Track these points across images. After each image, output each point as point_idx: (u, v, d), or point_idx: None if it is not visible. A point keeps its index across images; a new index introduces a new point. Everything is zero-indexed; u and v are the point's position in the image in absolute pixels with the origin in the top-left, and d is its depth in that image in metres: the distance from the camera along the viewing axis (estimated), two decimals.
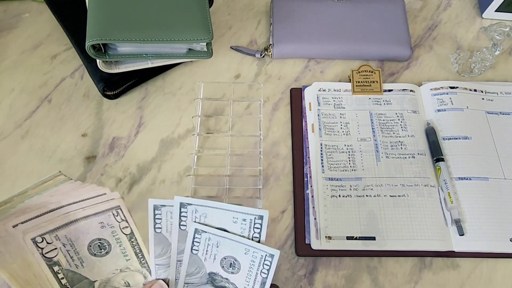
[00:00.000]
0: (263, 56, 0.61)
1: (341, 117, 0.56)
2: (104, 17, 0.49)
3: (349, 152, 0.53)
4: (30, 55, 0.60)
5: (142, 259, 0.33)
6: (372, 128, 0.55)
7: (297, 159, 0.53)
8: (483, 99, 0.57)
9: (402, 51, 0.60)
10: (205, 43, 0.53)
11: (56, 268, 0.28)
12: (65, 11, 0.59)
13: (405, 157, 0.53)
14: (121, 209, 0.30)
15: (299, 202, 0.51)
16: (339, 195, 0.50)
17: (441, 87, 0.57)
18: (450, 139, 0.54)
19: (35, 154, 0.53)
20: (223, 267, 0.36)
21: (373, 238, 0.48)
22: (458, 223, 0.48)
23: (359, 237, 0.48)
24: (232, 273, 0.35)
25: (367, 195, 0.50)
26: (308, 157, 0.53)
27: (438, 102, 0.56)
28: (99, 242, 0.30)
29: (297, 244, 0.48)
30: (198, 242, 0.35)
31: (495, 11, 0.64)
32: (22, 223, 0.26)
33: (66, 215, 0.27)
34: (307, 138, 0.54)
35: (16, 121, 0.56)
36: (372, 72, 0.58)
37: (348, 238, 0.48)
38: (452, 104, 0.56)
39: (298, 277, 0.47)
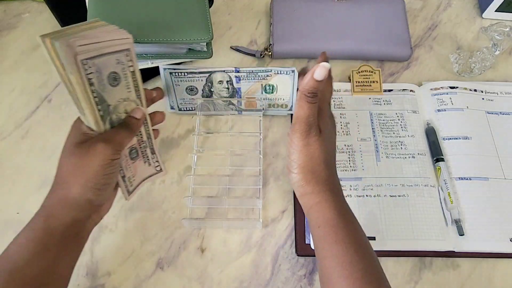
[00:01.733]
0: (263, 56, 0.61)
1: (341, 117, 0.56)
2: (104, 17, 0.48)
3: (349, 152, 0.53)
4: (30, 55, 0.60)
5: (138, 93, 0.42)
6: (372, 128, 0.55)
7: None
8: (483, 99, 0.57)
9: (402, 51, 0.60)
10: (205, 43, 0.53)
11: (92, 88, 0.36)
12: (65, 11, 0.59)
13: (405, 157, 0.53)
14: (130, 51, 0.39)
15: (299, 202, 0.50)
16: None
17: (441, 87, 0.57)
18: (450, 139, 0.54)
19: (35, 154, 0.53)
20: None
21: (373, 238, 0.48)
22: (458, 223, 0.48)
23: None
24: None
25: (367, 195, 0.50)
26: None
27: (438, 102, 0.56)
28: (114, 74, 0.38)
29: (297, 244, 0.48)
30: None
31: (495, 11, 0.64)
32: (80, 46, 0.34)
33: (100, 49, 0.35)
34: None
35: (16, 121, 0.56)
36: (372, 72, 0.58)
37: None
38: (452, 104, 0.56)
39: (298, 277, 0.47)
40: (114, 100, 0.39)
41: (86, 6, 0.51)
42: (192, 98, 0.54)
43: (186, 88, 0.53)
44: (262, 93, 0.53)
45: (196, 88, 0.53)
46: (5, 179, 0.52)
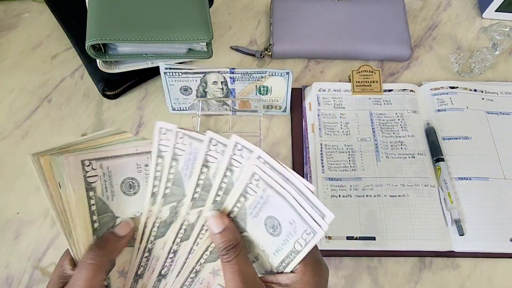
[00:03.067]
0: (263, 56, 0.61)
1: (341, 117, 0.56)
2: (104, 17, 0.49)
3: (349, 152, 0.53)
4: (30, 55, 0.60)
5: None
6: (372, 128, 0.55)
7: (297, 159, 0.53)
8: (483, 99, 0.57)
9: (402, 51, 0.60)
10: (205, 43, 0.53)
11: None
12: (65, 11, 0.59)
13: (405, 157, 0.53)
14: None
15: None
16: (339, 195, 0.50)
17: (441, 87, 0.57)
18: (450, 139, 0.54)
19: None
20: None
21: (373, 238, 0.48)
22: (458, 223, 0.48)
23: (359, 237, 0.48)
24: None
25: (367, 195, 0.50)
26: (308, 157, 0.53)
27: (438, 102, 0.56)
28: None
29: None
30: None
31: (495, 11, 0.64)
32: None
33: (112, 150, 0.30)
34: (307, 138, 0.54)
35: (16, 121, 0.56)
36: (372, 72, 0.58)
37: (348, 238, 0.48)
38: (452, 104, 0.56)
39: None
40: (125, 213, 0.33)
41: (86, 6, 0.51)
42: (186, 98, 0.54)
43: (181, 88, 0.53)
44: (256, 94, 0.54)
45: (191, 88, 0.53)
46: (5, 179, 0.52)
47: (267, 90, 0.53)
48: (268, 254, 0.33)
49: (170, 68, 0.50)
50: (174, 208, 0.33)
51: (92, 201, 0.31)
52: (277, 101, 0.54)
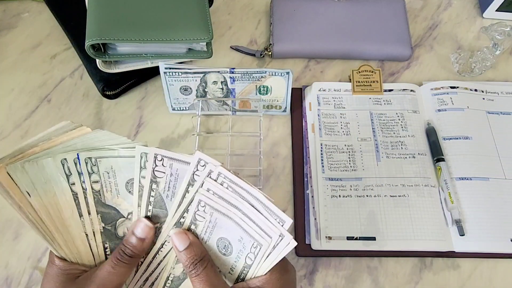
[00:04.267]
0: (263, 56, 0.61)
1: (341, 117, 0.56)
2: (104, 17, 0.49)
3: (349, 152, 0.53)
4: (30, 55, 0.60)
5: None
6: (372, 128, 0.55)
7: (297, 159, 0.53)
8: (483, 99, 0.57)
9: (402, 51, 0.59)
10: (205, 43, 0.52)
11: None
12: (65, 11, 0.59)
13: (406, 157, 0.53)
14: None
15: (299, 202, 0.50)
16: (339, 195, 0.50)
17: (442, 87, 0.57)
18: (450, 139, 0.54)
19: None
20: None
21: (373, 238, 0.48)
22: (458, 223, 0.48)
23: (359, 237, 0.48)
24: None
25: (367, 195, 0.50)
26: (308, 157, 0.53)
27: (438, 102, 0.56)
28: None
29: (297, 244, 0.48)
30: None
31: (496, 10, 0.64)
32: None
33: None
34: (307, 138, 0.54)
35: (15, 121, 0.55)
36: (372, 72, 0.58)
37: (348, 238, 0.48)
38: (453, 104, 0.56)
39: (298, 278, 0.47)
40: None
41: (86, 6, 0.51)
42: (186, 98, 0.54)
43: (180, 88, 0.53)
44: (256, 93, 0.53)
45: (190, 88, 0.53)
46: None
47: (267, 90, 0.53)
48: (224, 274, 0.34)
49: (170, 68, 0.50)
50: (158, 229, 0.34)
51: (152, 194, 0.32)
52: (277, 101, 0.54)
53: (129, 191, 0.33)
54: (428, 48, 0.63)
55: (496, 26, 0.56)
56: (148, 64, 0.53)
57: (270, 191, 0.52)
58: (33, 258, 0.47)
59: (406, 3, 0.63)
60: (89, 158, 0.31)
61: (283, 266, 0.33)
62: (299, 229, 0.49)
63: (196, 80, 0.52)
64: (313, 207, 0.50)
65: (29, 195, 0.30)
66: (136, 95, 0.58)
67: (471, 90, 0.57)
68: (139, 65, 0.53)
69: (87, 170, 0.32)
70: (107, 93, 0.55)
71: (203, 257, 0.32)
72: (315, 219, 0.49)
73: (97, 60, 0.50)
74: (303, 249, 0.48)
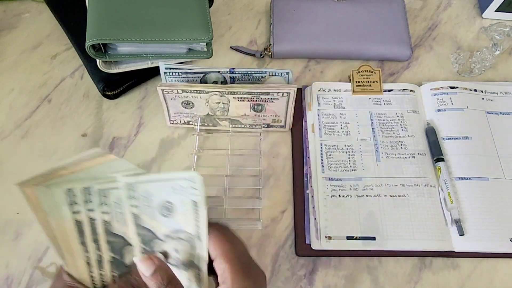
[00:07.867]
0: (263, 56, 0.61)
1: (341, 117, 0.56)
2: (104, 17, 0.49)
3: (349, 152, 0.53)
4: (30, 55, 0.60)
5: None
6: (372, 128, 0.55)
7: (297, 159, 0.53)
8: (483, 99, 0.57)
9: (402, 51, 0.60)
10: (205, 43, 0.53)
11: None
12: (65, 11, 0.59)
13: (405, 157, 0.53)
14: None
15: (299, 202, 0.51)
16: (339, 195, 0.50)
17: (441, 87, 0.57)
18: (450, 139, 0.54)
19: (35, 154, 0.53)
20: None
21: (373, 238, 0.48)
22: (458, 223, 0.48)
23: (359, 237, 0.48)
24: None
25: (367, 195, 0.50)
26: (308, 157, 0.53)
27: (438, 102, 0.56)
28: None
29: (297, 244, 0.48)
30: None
31: (495, 11, 0.64)
32: None
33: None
34: (307, 138, 0.54)
35: (16, 121, 0.56)
36: (372, 72, 0.58)
37: (348, 238, 0.48)
38: (452, 104, 0.56)
39: (298, 277, 0.47)
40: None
41: (86, 6, 0.51)
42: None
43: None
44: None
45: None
46: (5, 179, 0.52)
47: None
48: None
49: (170, 68, 0.50)
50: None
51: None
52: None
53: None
54: (427, 48, 0.63)
55: (496, 26, 0.56)
56: (148, 64, 0.53)
57: (270, 191, 0.52)
58: (34, 258, 0.47)
59: (406, 3, 0.63)
60: (101, 189, 0.32)
61: (246, 268, 0.33)
62: (299, 229, 0.49)
63: (196, 81, 0.51)
64: (313, 207, 0.50)
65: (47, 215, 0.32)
66: (136, 95, 0.58)
67: (470, 90, 0.58)
68: (139, 65, 0.53)
69: (99, 200, 0.33)
70: (107, 93, 0.55)
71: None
72: (315, 219, 0.49)
73: (97, 60, 0.50)
74: (303, 248, 0.48)
